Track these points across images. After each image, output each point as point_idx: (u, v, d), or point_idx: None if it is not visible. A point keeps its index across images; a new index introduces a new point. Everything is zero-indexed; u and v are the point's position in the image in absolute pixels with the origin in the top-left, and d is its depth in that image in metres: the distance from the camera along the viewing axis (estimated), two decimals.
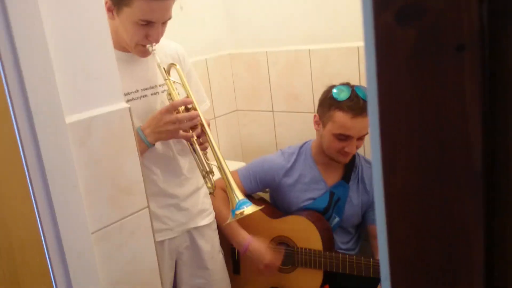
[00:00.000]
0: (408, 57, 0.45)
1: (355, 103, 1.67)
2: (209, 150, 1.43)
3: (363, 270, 1.64)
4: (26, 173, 0.95)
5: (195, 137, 1.39)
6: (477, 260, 0.48)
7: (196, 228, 1.61)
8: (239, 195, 1.32)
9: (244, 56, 2.27)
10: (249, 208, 1.30)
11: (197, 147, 1.40)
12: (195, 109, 1.40)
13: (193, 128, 1.38)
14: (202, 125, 1.40)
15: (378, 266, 1.61)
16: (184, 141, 1.51)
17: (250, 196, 1.91)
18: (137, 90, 1.44)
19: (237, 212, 1.30)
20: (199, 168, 1.44)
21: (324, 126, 1.76)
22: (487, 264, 0.49)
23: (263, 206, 1.34)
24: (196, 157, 1.43)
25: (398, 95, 0.46)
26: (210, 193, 1.45)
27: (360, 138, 1.72)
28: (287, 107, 2.20)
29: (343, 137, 1.70)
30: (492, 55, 0.43)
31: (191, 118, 1.38)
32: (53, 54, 0.97)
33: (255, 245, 1.76)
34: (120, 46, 1.40)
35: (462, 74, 0.44)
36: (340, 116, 1.68)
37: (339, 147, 1.73)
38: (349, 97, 1.68)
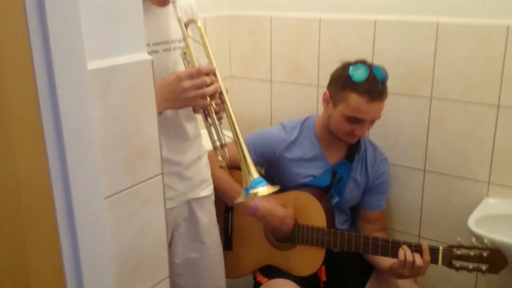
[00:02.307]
0: None
1: (372, 86, 1.57)
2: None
3: (373, 249, 1.58)
4: (41, 121, 0.80)
5: (214, 105, 1.26)
6: None
7: (196, 199, 1.50)
8: (254, 173, 1.22)
9: (245, 19, 2.12)
10: (265, 189, 1.19)
11: (214, 115, 1.27)
12: (215, 75, 1.26)
13: (212, 96, 1.24)
14: (221, 93, 1.26)
15: (387, 244, 1.55)
16: None
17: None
18: (149, 44, 1.28)
19: (252, 191, 1.19)
20: (211, 139, 1.31)
21: (335, 106, 1.66)
22: None
23: (279, 187, 1.23)
24: (211, 127, 1.30)
25: None
26: (220, 166, 1.33)
27: (372, 121, 1.65)
28: (288, 78, 2.09)
29: (355, 120, 1.62)
30: None
31: (211, 72, 1.24)
32: None
33: (265, 203, 1.66)
34: None
35: None
36: (355, 99, 1.59)
37: (349, 129, 1.65)
38: (367, 79, 1.58)
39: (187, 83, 1.20)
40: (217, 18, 2.12)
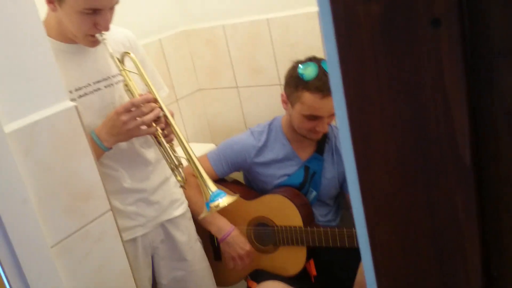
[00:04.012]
0: (375, 38, 0.38)
1: (323, 83, 1.58)
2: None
3: (347, 241, 1.60)
4: None
5: (160, 130, 1.30)
6: (473, 252, 0.43)
7: (169, 220, 1.54)
8: (212, 187, 1.25)
9: (200, 31, 2.15)
10: (224, 200, 1.23)
11: (163, 139, 1.31)
12: (156, 101, 1.30)
13: (156, 121, 1.28)
14: (165, 116, 1.30)
15: None
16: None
17: (223, 180, 1.84)
18: (89, 84, 1.32)
19: (212, 205, 1.23)
20: (167, 162, 1.36)
21: (292, 106, 1.68)
22: (483, 255, 0.43)
23: (238, 196, 1.27)
24: (163, 150, 1.34)
25: (366, 85, 0.39)
26: (181, 186, 1.37)
27: (331, 115, 1.66)
28: (251, 82, 2.11)
29: (313, 117, 1.64)
30: (472, 30, 0.36)
31: (148, 102, 1.26)
32: None
33: (237, 233, 1.71)
34: (65, 37, 1.28)
35: (440, 53, 0.37)
36: (308, 97, 1.60)
37: (310, 126, 1.66)
38: (317, 76, 1.59)
39: (124, 117, 1.24)
40: (173, 35, 2.15)
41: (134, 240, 1.45)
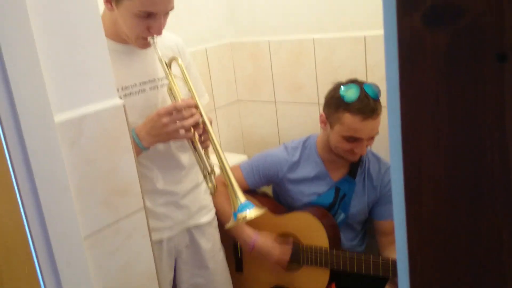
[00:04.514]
0: (439, 68, 0.38)
1: (365, 105, 1.58)
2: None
3: (372, 269, 1.58)
4: (13, 176, 0.88)
5: (197, 136, 1.32)
6: None
7: (196, 226, 1.55)
8: (241, 197, 1.26)
9: (246, 45, 2.19)
10: (252, 212, 1.24)
11: (199, 145, 1.33)
12: (197, 107, 1.32)
13: (195, 127, 1.31)
14: (204, 123, 1.32)
15: (387, 264, 1.56)
16: None
17: (253, 191, 1.85)
18: (135, 84, 1.36)
19: (240, 216, 1.24)
20: (200, 167, 1.38)
21: (331, 127, 1.68)
22: None
23: (266, 209, 1.27)
24: (197, 155, 1.36)
25: (425, 112, 0.40)
26: (210, 194, 1.39)
27: (371, 138, 1.65)
28: (290, 98, 2.13)
29: (352, 139, 1.63)
30: None
31: (190, 108, 1.29)
32: (39, 48, 0.90)
33: (261, 242, 1.71)
34: (118, 37, 1.33)
35: (503, 89, 0.37)
36: (349, 119, 1.60)
37: (348, 148, 1.66)
38: (358, 98, 1.59)
39: (165, 119, 1.27)
40: (219, 46, 2.19)
41: (160, 241, 1.47)
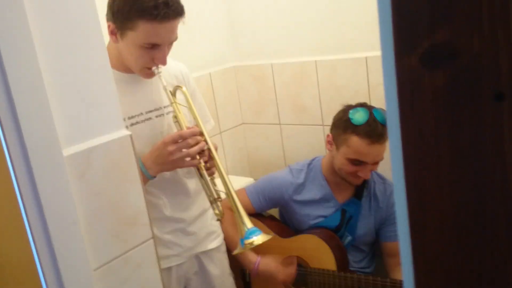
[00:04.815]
0: (437, 106, 0.39)
1: (372, 129, 1.59)
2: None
3: None
4: (23, 210, 0.90)
5: (203, 163, 1.33)
6: None
7: (204, 252, 1.55)
8: (248, 224, 1.26)
9: (249, 68, 2.21)
10: (259, 238, 1.24)
11: (205, 172, 1.34)
12: (202, 135, 1.34)
13: (200, 154, 1.32)
14: (209, 150, 1.34)
15: (395, 285, 1.55)
16: None
17: (259, 214, 1.85)
18: (141, 113, 1.38)
19: (247, 242, 1.24)
20: (207, 194, 1.39)
21: (337, 148, 1.69)
22: None
23: (273, 235, 1.28)
24: (203, 182, 1.37)
25: (425, 149, 0.41)
26: (218, 220, 1.40)
27: (376, 163, 1.66)
28: (294, 120, 2.14)
29: (357, 162, 1.64)
30: None
31: (194, 136, 1.31)
32: (47, 82, 0.92)
33: (264, 264, 1.70)
34: (123, 67, 1.35)
35: (502, 128, 0.38)
36: (356, 141, 1.61)
37: (352, 171, 1.67)
38: (367, 122, 1.60)
39: (171, 147, 1.28)
40: (223, 70, 2.22)
41: (169, 269, 1.47)
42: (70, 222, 0.96)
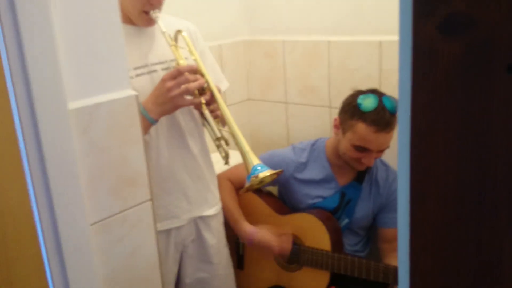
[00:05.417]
0: (451, 76, 0.39)
1: (380, 117, 1.57)
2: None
3: (372, 274, 1.58)
4: (25, 160, 0.90)
5: (203, 100, 1.31)
6: None
7: (202, 218, 1.56)
8: (254, 160, 1.25)
9: (260, 43, 2.20)
10: (264, 172, 1.23)
11: (207, 111, 1.33)
12: (202, 75, 1.32)
13: (201, 92, 1.31)
14: (211, 90, 1.32)
15: (388, 271, 1.56)
16: (196, 115, 1.45)
17: (258, 190, 1.86)
18: (146, 65, 1.37)
19: (253, 177, 1.24)
20: (212, 137, 1.37)
21: (344, 133, 1.68)
22: None
23: (281, 170, 1.28)
24: (207, 123, 1.36)
25: (434, 118, 0.40)
26: (225, 163, 1.39)
27: (380, 151, 1.65)
28: (302, 99, 2.13)
29: (361, 149, 1.63)
30: None
31: (193, 71, 1.29)
32: (58, 34, 0.92)
33: (261, 235, 1.71)
34: (127, 19, 1.34)
35: (511, 98, 0.38)
36: (362, 128, 1.60)
37: (356, 157, 1.66)
38: (375, 109, 1.58)
39: (170, 83, 1.27)
40: (234, 43, 2.20)
41: (168, 232, 1.48)
42: (71, 174, 0.97)
